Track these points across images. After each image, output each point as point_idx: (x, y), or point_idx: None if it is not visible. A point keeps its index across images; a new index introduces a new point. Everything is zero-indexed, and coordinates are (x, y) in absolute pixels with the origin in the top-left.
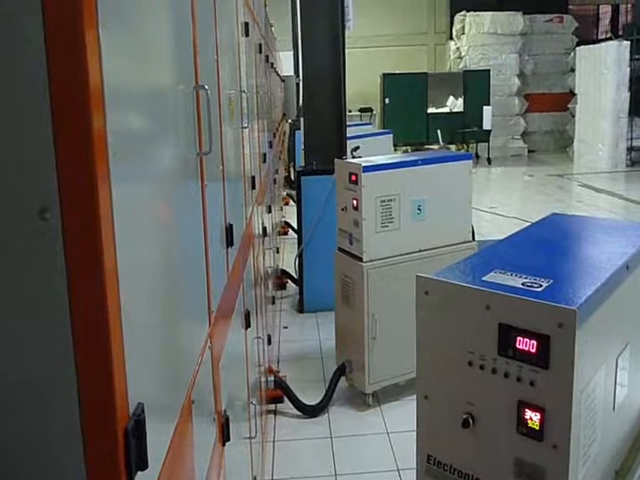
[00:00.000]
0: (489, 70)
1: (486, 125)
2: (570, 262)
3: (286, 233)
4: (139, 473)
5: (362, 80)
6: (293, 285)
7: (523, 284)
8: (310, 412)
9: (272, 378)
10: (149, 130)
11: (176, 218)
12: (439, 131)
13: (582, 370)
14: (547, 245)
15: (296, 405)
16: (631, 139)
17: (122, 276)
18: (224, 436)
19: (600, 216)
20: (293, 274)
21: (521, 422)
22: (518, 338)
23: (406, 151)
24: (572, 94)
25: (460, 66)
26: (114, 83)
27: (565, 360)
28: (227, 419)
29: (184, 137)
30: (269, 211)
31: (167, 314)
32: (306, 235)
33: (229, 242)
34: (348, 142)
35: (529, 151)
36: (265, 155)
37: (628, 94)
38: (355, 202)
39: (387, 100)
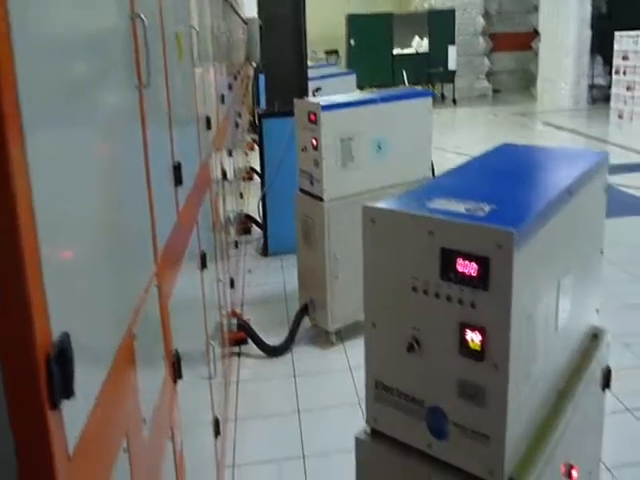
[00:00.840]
0: (454, 10)
1: (451, 65)
2: (515, 188)
3: (251, 178)
4: (68, 402)
5: (327, 21)
6: (258, 230)
7: (466, 209)
8: (273, 352)
9: (235, 321)
10: (73, 61)
11: (111, 151)
12: (404, 72)
13: (522, 291)
14: (494, 173)
15: (260, 346)
16: (592, 77)
17: (38, 199)
18: (175, 374)
19: None
20: (258, 219)
21: (463, 343)
22: (459, 261)
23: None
24: (536, 33)
25: (425, 5)
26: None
27: (504, 281)
28: (178, 358)
29: (119, 68)
30: (230, 155)
31: (101, 246)
32: (269, 178)
33: (177, 181)
34: (310, 83)
35: (494, 91)
36: (223, 97)
37: (590, 32)
38: (314, 142)
39: (352, 41)
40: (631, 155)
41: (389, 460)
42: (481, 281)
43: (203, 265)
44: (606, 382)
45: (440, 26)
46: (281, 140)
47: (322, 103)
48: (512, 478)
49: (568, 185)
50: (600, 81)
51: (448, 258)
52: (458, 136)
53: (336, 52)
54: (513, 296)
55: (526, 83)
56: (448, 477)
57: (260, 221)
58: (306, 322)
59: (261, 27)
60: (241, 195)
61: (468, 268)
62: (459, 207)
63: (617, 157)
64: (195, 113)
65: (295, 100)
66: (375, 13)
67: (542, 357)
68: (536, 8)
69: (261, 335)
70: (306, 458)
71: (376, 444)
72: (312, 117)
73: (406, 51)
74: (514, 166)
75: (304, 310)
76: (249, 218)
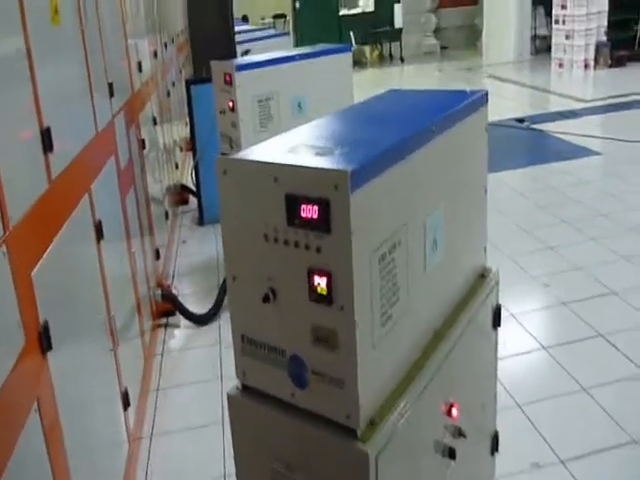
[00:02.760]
0: None
1: (397, 24)
2: (378, 130)
3: (193, 149)
4: None
5: None
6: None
7: (317, 154)
8: (200, 321)
9: (159, 292)
10: None
11: None
12: (352, 33)
13: (368, 233)
14: (366, 117)
15: (185, 315)
16: (535, 28)
17: None
18: (42, 345)
19: (505, 105)
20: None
21: (312, 289)
22: (302, 206)
23: None
24: None
25: None
26: None
27: (343, 223)
28: (46, 328)
29: None
30: (155, 124)
31: None
32: (200, 146)
33: (47, 147)
34: (240, 47)
35: (442, 47)
36: (140, 64)
37: None
38: (231, 104)
39: (297, 4)
40: (570, 103)
41: (259, 413)
42: (323, 224)
43: (99, 236)
44: (496, 320)
45: None
46: (211, 106)
47: (237, 63)
48: (373, 420)
49: (432, 123)
50: (543, 32)
51: (292, 203)
52: None
53: (284, 16)
54: (354, 238)
55: (473, 39)
56: (312, 426)
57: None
58: None
59: None
60: (177, 166)
61: (310, 212)
62: (310, 151)
63: (556, 105)
64: (86, 78)
65: (211, 62)
66: None
67: (406, 298)
68: None
69: (193, 305)
70: (226, 424)
71: (246, 399)
72: (227, 78)
73: (353, 11)
74: (388, 110)
75: None
76: (185, 188)
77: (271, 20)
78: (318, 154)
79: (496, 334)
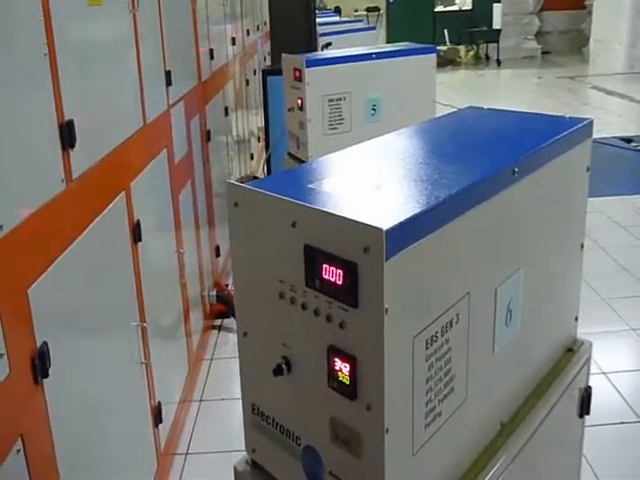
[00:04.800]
0: None
1: (496, 24)
2: (442, 165)
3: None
4: None
5: None
6: None
7: (355, 193)
8: None
9: (215, 292)
10: None
11: None
12: (446, 31)
13: (414, 308)
14: (432, 145)
15: None
16: None
17: None
18: (35, 373)
19: (610, 121)
20: None
21: (332, 374)
22: (324, 265)
23: None
24: None
25: None
26: None
27: (375, 297)
28: (42, 354)
29: None
30: (226, 114)
31: None
32: (273, 139)
33: (68, 142)
34: (323, 39)
35: (543, 52)
36: (212, 51)
37: None
38: (300, 102)
39: None
40: None
41: None
42: (348, 294)
43: (136, 237)
44: (584, 407)
45: None
46: None
47: (307, 58)
48: None
49: (514, 162)
50: None
51: (312, 259)
52: (494, 99)
53: (377, 9)
54: (389, 317)
55: (578, 44)
56: None
57: None
58: None
59: None
60: (251, 156)
61: (334, 275)
62: (346, 189)
63: None
64: (134, 68)
65: (283, 55)
66: None
67: (464, 388)
68: None
69: None
70: None
71: (255, 478)
72: (297, 74)
73: (449, 8)
74: (460, 138)
75: None
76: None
77: (364, 13)
78: (355, 196)
79: (583, 424)
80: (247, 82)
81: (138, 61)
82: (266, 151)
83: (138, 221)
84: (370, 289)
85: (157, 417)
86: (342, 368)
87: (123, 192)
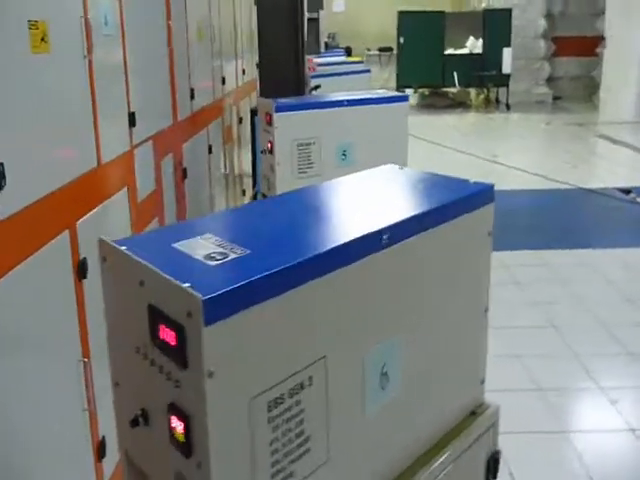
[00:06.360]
0: (511, 9)
1: (505, 69)
2: (314, 230)
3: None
4: None
5: (384, 19)
6: None
7: (207, 255)
8: None
9: None
10: None
11: None
12: (455, 74)
13: (249, 372)
14: (318, 205)
15: None
16: None
17: None
18: None
19: (613, 170)
20: None
21: (171, 431)
22: (161, 326)
23: (423, 94)
24: (603, 38)
25: (483, 5)
26: None
27: (197, 360)
28: None
29: None
30: (210, 152)
31: None
32: (259, 177)
33: None
34: (318, 80)
35: (554, 98)
36: (193, 91)
37: None
38: (269, 145)
39: (402, 39)
40: None
41: None
42: (180, 355)
43: (82, 275)
44: (491, 471)
45: (495, 27)
46: None
47: (277, 103)
48: None
49: (385, 229)
50: None
51: (154, 318)
52: (499, 143)
53: (390, 49)
54: (214, 381)
55: (589, 92)
56: None
57: None
58: None
59: (258, 15)
60: (243, 192)
61: (168, 336)
62: (204, 251)
63: None
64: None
65: (258, 99)
66: (427, 10)
67: (324, 448)
68: (604, 12)
69: None
70: None
71: None
72: (267, 118)
73: (459, 52)
74: (354, 198)
75: None
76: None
77: (377, 53)
78: (209, 256)
79: None
80: (240, 120)
81: (93, 105)
82: (252, 187)
83: (84, 258)
84: (195, 352)
85: (100, 452)
86: (177, 426)
87: (67, 230)
